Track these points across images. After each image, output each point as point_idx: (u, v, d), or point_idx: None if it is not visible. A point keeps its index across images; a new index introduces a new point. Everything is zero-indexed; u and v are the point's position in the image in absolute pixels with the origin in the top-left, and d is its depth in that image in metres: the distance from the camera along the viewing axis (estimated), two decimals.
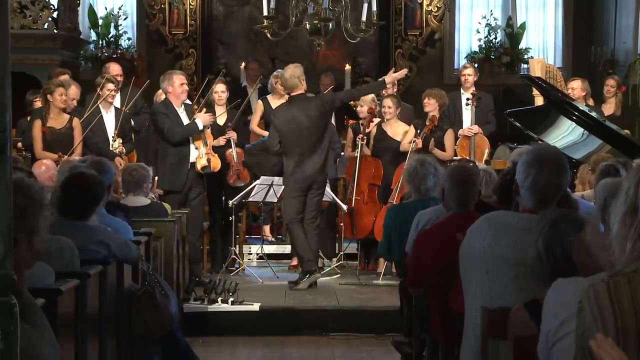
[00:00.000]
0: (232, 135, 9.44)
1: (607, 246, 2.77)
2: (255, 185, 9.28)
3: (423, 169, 6.32)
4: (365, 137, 9.49)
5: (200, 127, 8.83)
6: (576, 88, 10.01)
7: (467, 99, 9.93)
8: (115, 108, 9.34)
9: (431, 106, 9.62)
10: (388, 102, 9.70)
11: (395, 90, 10.22)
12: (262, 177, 9.35)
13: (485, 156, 9.70)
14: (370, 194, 9.47)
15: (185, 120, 8.88)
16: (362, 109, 9.73)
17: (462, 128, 9.86)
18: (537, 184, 3.71)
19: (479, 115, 9.89)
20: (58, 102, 8.86)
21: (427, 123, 9.50)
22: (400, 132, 9.64)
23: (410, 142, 9.38)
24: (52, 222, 3.24)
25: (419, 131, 9.44)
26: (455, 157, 9.38)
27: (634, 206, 2.18)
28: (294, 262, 9.59)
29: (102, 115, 9.25)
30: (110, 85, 9.26)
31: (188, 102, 9.40)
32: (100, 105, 9.21)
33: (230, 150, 9.44)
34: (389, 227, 6.40)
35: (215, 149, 9.15)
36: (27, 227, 2.78)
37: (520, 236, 3.62)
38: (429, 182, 6.26)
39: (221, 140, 9.31)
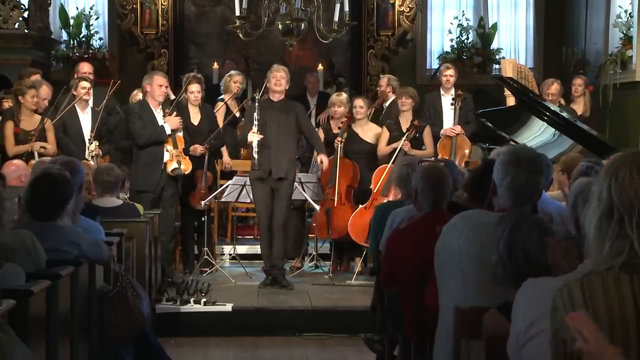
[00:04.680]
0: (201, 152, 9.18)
1: (569, 252, 2.78)
2: (228, 185, 9.24)
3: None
4: (343, 140, 9.48)
5: (168, 131, 8.76)
6: (555, 94, 10.06)
7: (452, 99, 9.94)
8: (93, 109, 9.26)
9: (408, 105, 9.64)
10: (360, 102, 9.68)
11: (389, 89, 10.32)
12: (234, 177, 9.31)
13: (466, 157, 9.72)
14: (347, 195, 9.47)
15: (161, 122, 8.82)
16: (340, 110, 9.71)
17: (443, 128, 9.88)
18: (516, 184, 3.71)
19: (461, 116, 9.91)
20: (29, 104, 8.79)
21: (411, 126, 9.48)
22: (371, 133, 9.65)
23: (387, 145, 9.40)
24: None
25: (401, 134, 9.45)
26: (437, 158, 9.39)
27: (609, 208, 2.17)
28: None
29: (78, 116, 9.18)
30: (84, 83, 9.19)
31: None
32: (76, 105, 9.14)
33: (201, 172, 9.25)
34: (377, 226, 6.41)
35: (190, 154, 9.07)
36: None
37: (495, 236, 3.61)
38: None
39: (197, 150, 9.13)
